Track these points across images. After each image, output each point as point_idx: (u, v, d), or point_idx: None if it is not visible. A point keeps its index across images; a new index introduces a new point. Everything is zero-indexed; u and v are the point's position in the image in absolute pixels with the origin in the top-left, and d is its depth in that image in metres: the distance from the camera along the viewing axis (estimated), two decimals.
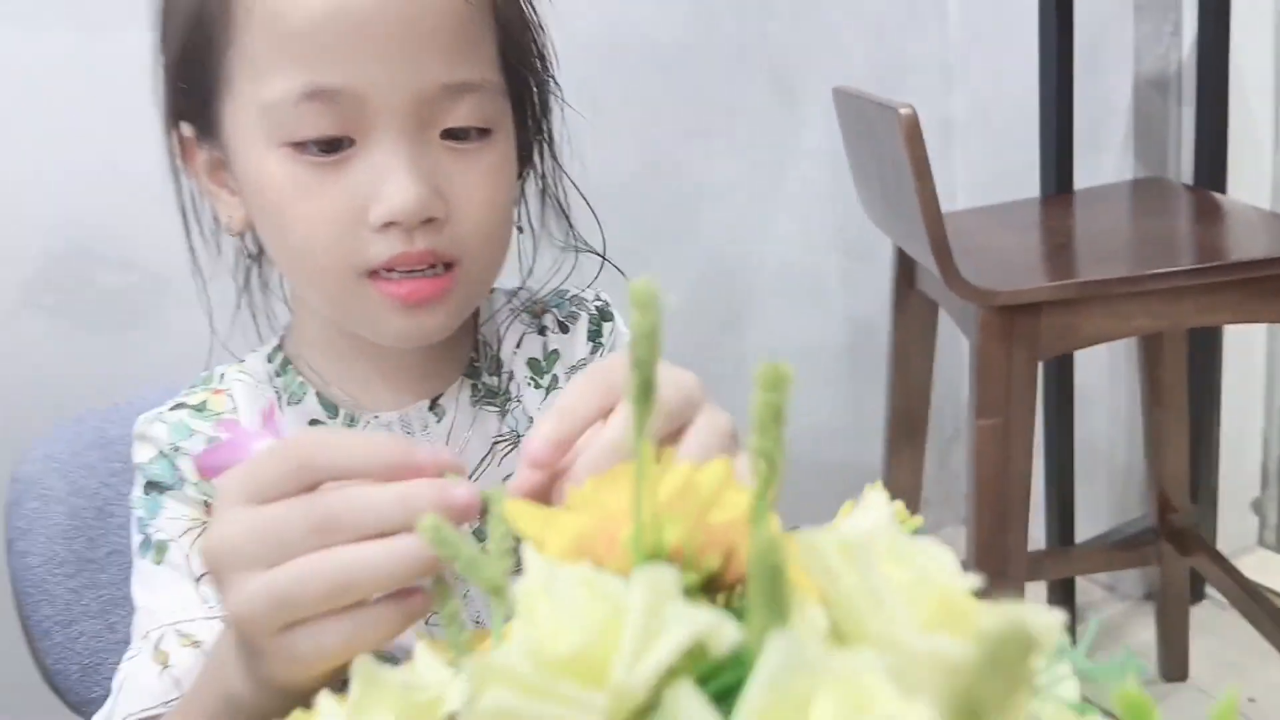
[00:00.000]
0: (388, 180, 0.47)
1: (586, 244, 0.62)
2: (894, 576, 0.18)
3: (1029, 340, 0.90)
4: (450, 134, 0.50)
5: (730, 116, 1.58)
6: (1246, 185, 1.52)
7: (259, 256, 0.60)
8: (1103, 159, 1.49)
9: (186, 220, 0.59)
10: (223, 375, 0.58)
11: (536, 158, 0.59)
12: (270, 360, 0.59)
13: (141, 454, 0.55)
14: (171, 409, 0.56)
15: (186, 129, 0.54)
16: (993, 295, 0.90)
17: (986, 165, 1.68)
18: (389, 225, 0.48)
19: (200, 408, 0.56)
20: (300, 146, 0.48)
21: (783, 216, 1.63)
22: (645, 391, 0.21)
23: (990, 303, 0.90)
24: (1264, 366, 1.66)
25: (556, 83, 0.58)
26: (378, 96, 0.47)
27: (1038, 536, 1.38)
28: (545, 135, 0.59)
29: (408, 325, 0.50)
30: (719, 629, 0.17)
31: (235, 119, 0.50)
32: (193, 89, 0.52)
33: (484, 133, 0.51)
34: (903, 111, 0.86)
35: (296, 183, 0.48)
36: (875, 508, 0.24)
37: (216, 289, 0.63)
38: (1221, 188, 1.43)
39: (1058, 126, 1.27)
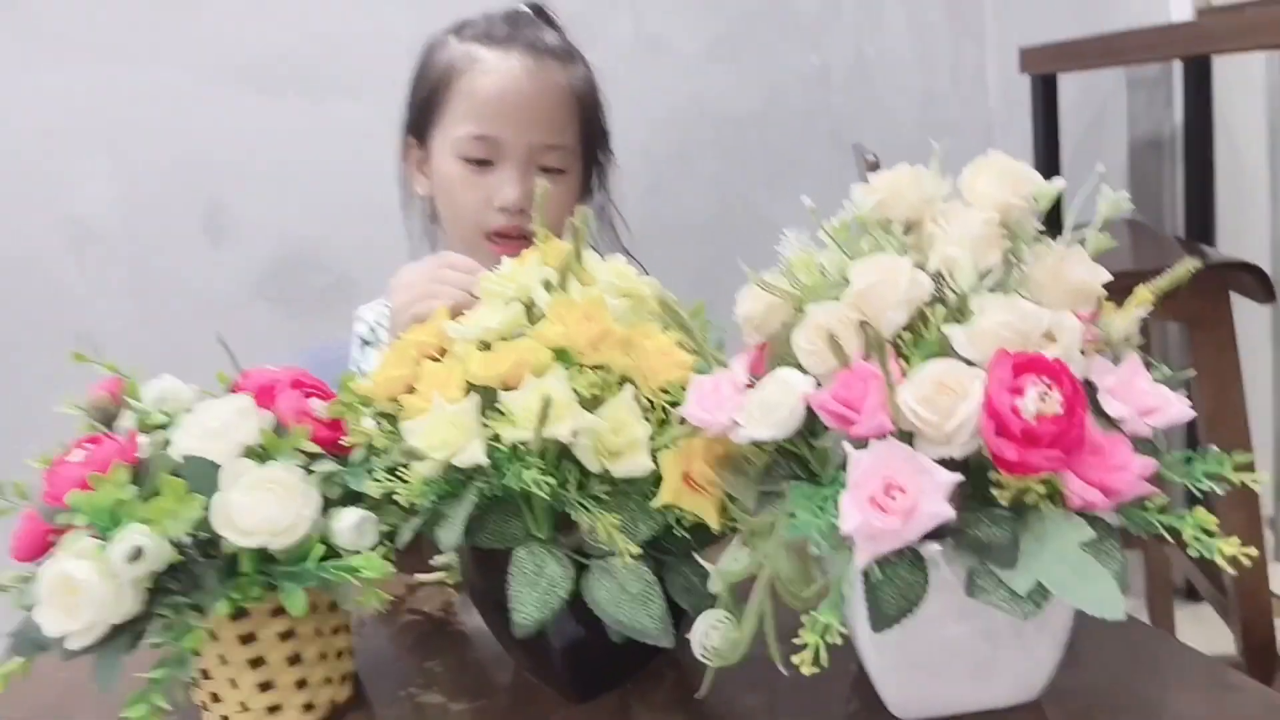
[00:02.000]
0: (505, 187, 0.91)
1: (629, 253, 1.01)
2: None
3: None
4: (543, 168, 0.92)
5: (796, 169, 1.94)
6: (1236, 236, 1.78)
7: (434, 218, 1.01)
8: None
9: (406, 209, 1.02)
10: None
11: (597, 190, 1.00)
12: None
13: (359, 325, 0.98)
14: (370, 304, 1.00)
15: (411, 140, 0.99)
16: None
17: None
18: (502, 209, 0.91)
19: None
20: (467, 160, 0.92)
21: None
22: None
23: None
24: (1271, 385, 1.87)
25: (609, 147, 1.00)
26: (509, 144, 0.92)
27: None
28: (599, 181, 1.01)
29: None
30: None
31: (438, 139, 0.95)
32: (421, 119, 0.96)
33: (561, 171, 0.94)
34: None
35: (461, 178, 0.93)
36: None
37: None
38: (1210, 238, 1.70)
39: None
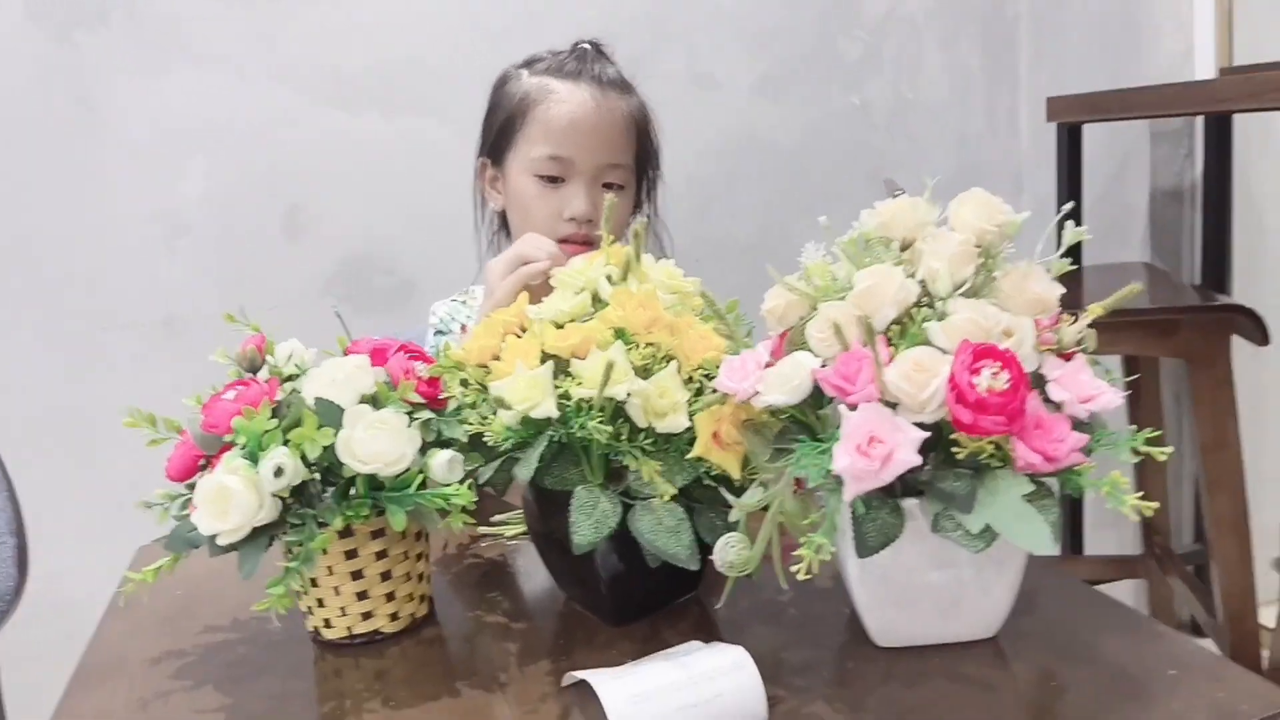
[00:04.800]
0: (575, 200, 1.05)
1: (665, 253, 1.13)
2: None
3: None
4: (606, 185, 1.06)
5: (834, 201, 2.06)
6: (1251, 283, 1.87)
7: (504, 229, 1.14)
8: (1124, 254, 1.88)
9: (477, 219, 1.16)
10: (469, 289, 1.13)
11: (645, 202, 1.15)
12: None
13: (433, 318, 1.12)
14: (443, 301, 1.14)
15: (486, 160, 1.13)
16: None
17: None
18: (571, 219, 1.05)
19: (462, 301, 1.13)
20: (540, 177, 1.06)
21: None
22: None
23: None
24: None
25: (659, 166, 1.15)
26: (579, 163, 1.06)
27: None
28: (648, 194, 1.16)
29: None
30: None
31: (512, 158, 1.09)
32: (499, 142, 1.10)
33: (621, 187, 1.08)
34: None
35: (535, 193, 1.07)
36: None
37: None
38: (1225, 285, 1.79)
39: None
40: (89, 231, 1.77)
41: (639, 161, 1.12)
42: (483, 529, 0.89)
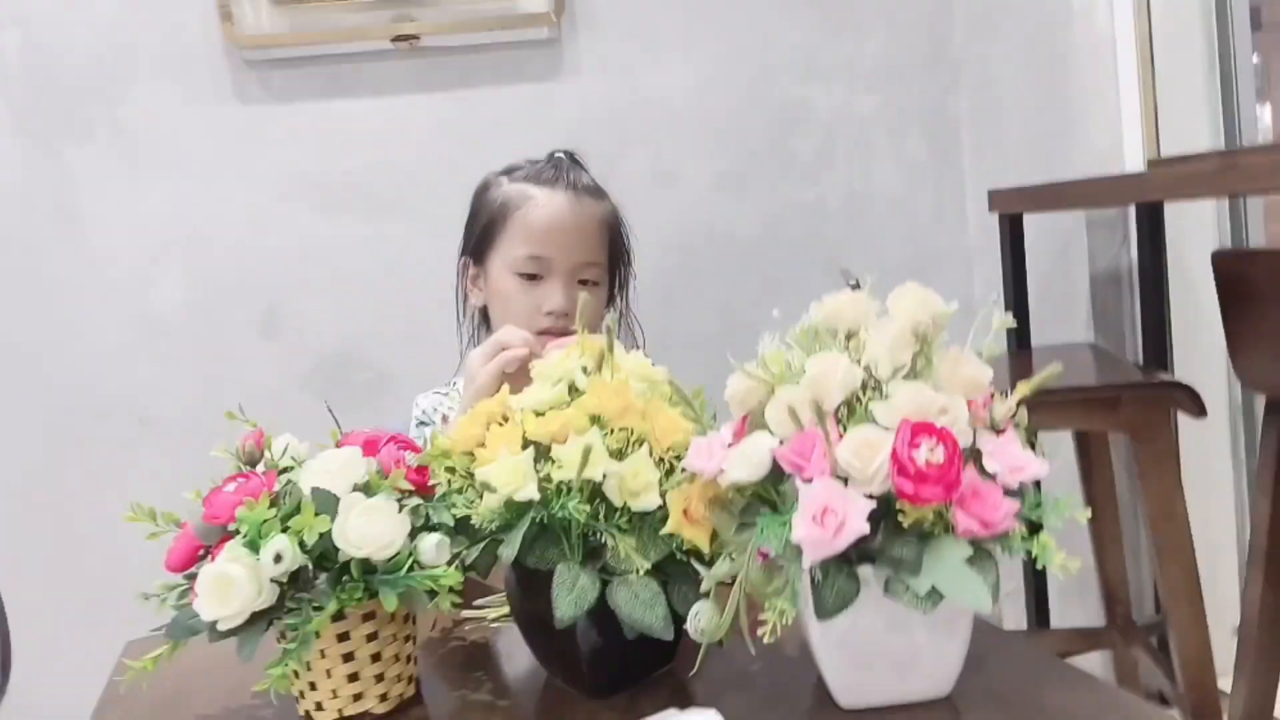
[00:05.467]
0: (553, 296, 1.13)
1: (636, 344, 1.20)
2: None
3: None
4: (581, 281, 1.14)
5: (792, 290, 2.15)
6: (1191, 360, 1.97)
7: (485, 324, 1.20)
8: (1070, 335, 1.97)
9: (459, 315, 1.22)
10: (452, 382, 1.18)
11: (618, 297, 1.20)
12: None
13: (416, 410, 1.17)
14: (426, 394, 1.19)
15: (468, 260, 1.20)
16: None
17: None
18: (549, 313, 1.13)
19: (444, 394, 1.18)
20: (520, 275, 1.15)
21: None
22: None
23: None
24: (1233, 500, 2.02)
25: (630, 263, 1.21)
26: (557, 262, 1.15)
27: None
28: (620, 289, 1.23)
29: None
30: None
31: (493, 257, 1.17)
32: (481, 243, 1.18)
33: (595, 284, 1.16)
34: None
35: (516, 289, 1.15)
36: None
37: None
38: (1166, 363, 1.88)
39: (1015, 305, 1.80)
40: (69, 334, 1.81)
41: (612, 260, 1.20)
42: (467, 613, 0.92)
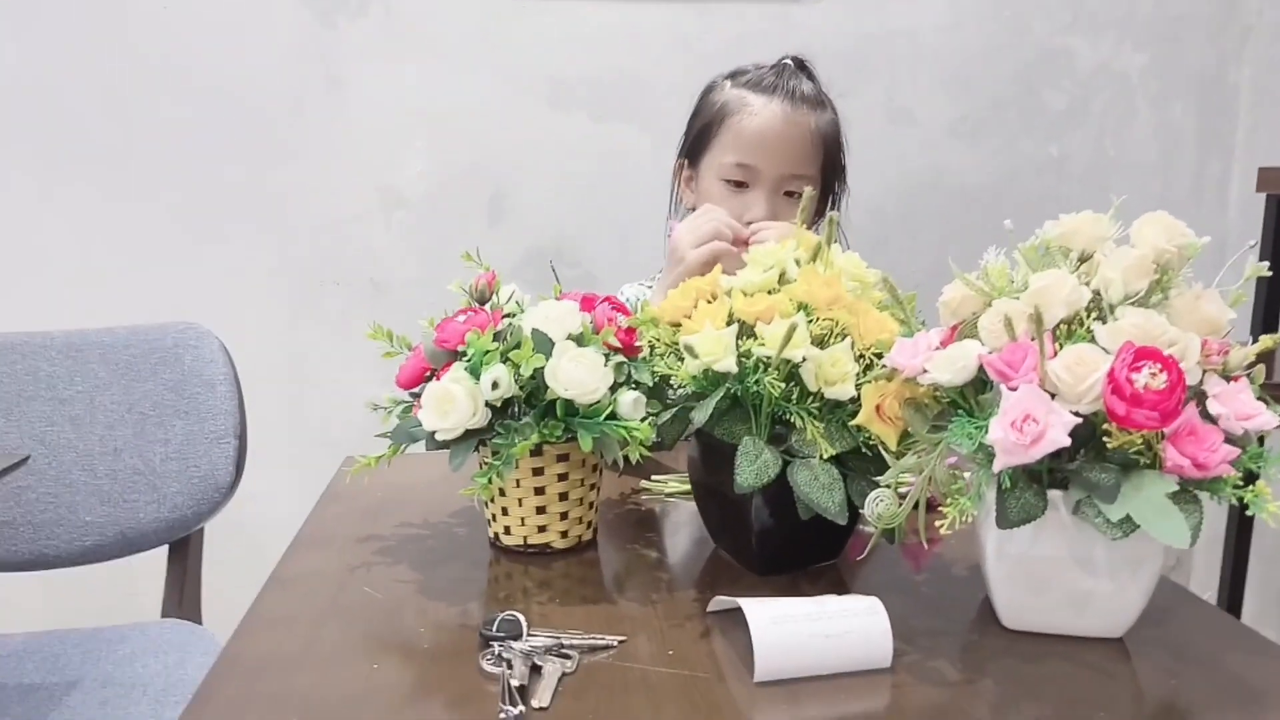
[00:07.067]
0: (755, 206, 1.15)
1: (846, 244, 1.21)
2: None
3: None
4: (787, 193, 1.15)
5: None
6: None
7: None
8: None
9: (670, 214, 1.25)
10: (656, 276, 1.23)
11: (830, 210, 1.22)
12: None
13: (620, 298, 1.22)
14: (631, 284, 1.24)
15: (684, 161, 1.23)
16: None
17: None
18: (750, 223, 1.11)
19: (649, 286, 1.24)
20: (727, 181, 1.16)
21: None
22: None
23: None
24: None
25: (845, 180, 1.23)
26: (763, 172, 1.15)
27: None
28: (833, 205, 1.22)
29: None
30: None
31: (706, 161, 1.19)
32: (696, 145, 1.20)
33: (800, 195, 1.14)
34: None
35: (722, 196, 1.16)
36: None
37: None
38: None
39: (1268, 298, 1.65)
40: (319, 195, 1.99)
41: (825, 174, 1.19)
42: (645, 483, 0.97)
